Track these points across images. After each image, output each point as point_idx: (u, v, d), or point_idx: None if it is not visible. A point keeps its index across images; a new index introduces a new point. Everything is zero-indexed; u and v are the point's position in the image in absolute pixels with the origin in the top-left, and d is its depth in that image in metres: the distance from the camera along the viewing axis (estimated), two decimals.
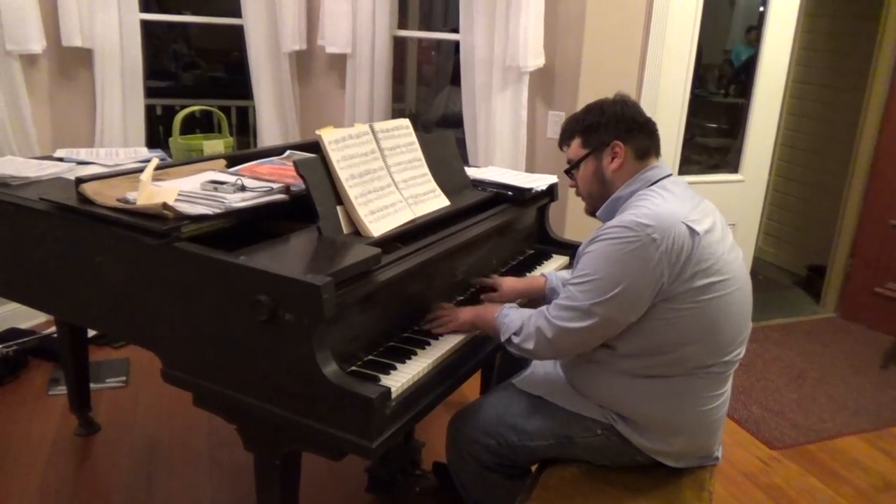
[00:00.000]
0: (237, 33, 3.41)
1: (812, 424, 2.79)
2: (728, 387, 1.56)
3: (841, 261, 3.97)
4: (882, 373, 3.28)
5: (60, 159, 2.11)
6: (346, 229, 1.62)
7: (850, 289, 3.93)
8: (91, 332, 2.67)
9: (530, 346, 1.50)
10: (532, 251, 2.33)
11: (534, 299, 1.94)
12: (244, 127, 5.27)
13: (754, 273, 1.96)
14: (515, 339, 1.52)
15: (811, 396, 3.02)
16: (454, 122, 4.53)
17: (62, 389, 2.64)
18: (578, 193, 1.71)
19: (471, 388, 2.54)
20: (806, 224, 4.68)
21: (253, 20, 3.35)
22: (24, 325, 3.12)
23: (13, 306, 3.08)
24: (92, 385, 2.49)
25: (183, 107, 5.02)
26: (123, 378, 2.82)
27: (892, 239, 3.67)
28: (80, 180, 1.66)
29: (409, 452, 2.13)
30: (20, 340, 2.92)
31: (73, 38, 2.97)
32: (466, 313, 1.69)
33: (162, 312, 1.51)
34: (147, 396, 2.71)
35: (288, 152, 2.17)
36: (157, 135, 3.50)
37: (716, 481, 1.62)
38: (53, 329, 3.05)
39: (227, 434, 2.46)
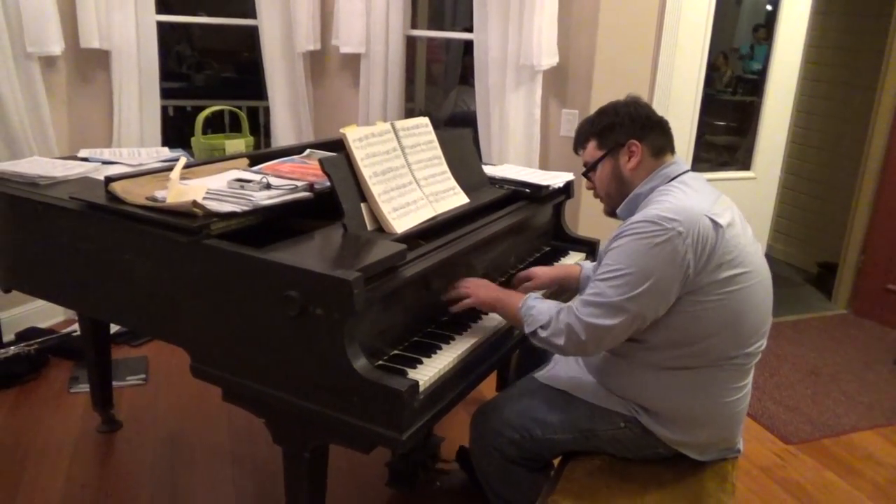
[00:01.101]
0: (243, 34, 3.45)
1: (827, 419, 2.80)
2: (750, 379, 1.59)
3: (852, 258, 3.98)
4: (895, 368, 3.28)
5: (85, 159, 2.15)
6: (369, 226, 1.65)
7: (861, 285, 3.93)
8: (111, 330, 2.70)
9: (560, 342, 1.49)
10: (548, 248, 2.35)
11: (567, 288, 1.96)
12: (255, 127, 5.31)
13: None
14: (543, 333, 1.52)
15: (825, 392, 3.03)
16: (463, 121, 4.56)
17: (83, 387, 2.67)
18: (596, 195, 1.73)
19: (487, 386, 2.57)
20: (817, 221, 4.68)
21: (267, 21, 3.38)
22: (43, 325, 3.16)
23: (33, 305, 3.12)
24: (113, 383, 2.52)
25: (195, 108, 5.03)
26: (143, 376, 2.85)
27: None
28: (109, 179, 1.69)
29: (429, 447, 2.16)
30: (41, 339, 2.95)
31: (91, 39, 3.00)
32: (489, 292, 1.67)
33: (191, 308, 1.53)
34: (167, 394, 2.75)
35: (308, 151, 2.20)
36: (170, 135, 3.53)
37: (737, 475, 1.64)
38: (73, 328, 3.09)
39: (247, 429, 2.49)
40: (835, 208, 4.41)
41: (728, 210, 1.51)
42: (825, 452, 2.58)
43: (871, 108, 3.85)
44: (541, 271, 1.92)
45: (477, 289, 1.69)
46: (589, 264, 1.97)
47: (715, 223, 1.43)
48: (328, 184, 1.63)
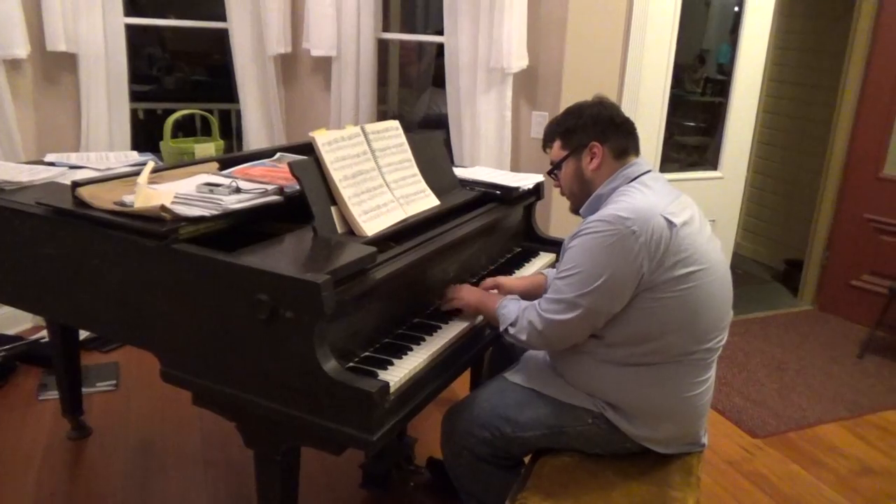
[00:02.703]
0: (214, 37, 3.43)
1: (792, 413, 2.87)
2: (712, 373, 1.63)
3: (817, 255, 4.07)
4: (859, 362, 3.37)
5: (52, 164, 2.13)
6: (340, 229, 1.66)
7: (826, 282, 4.03)
8: (81, 336, 2.67)
9: (523, 337, 1.59)
10: (519, 249, 2.38)
11: (537, 298, 1.99)
12: (227, 130, 5.27)
13: (733, 268, 2.03)
14: (511, 330, 1.62)
15: (791, 386, 3.10)
16: (436, 123, 4.58)
17: (52, 394, 2.64)
18: (563, 193, 1.77)
19: (460, 385, 2.58)
20: (783, 219, 4.78)
21: (238, 24, 3.37)
22: (10, 331, 3.11)
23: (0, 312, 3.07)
24: (82, 389, 2.49)
25: (165, 111, 4.98)
26: (114, 382, 2.82)
27: (866, 232, 3.77)
28: (76, 184, 1.67)
29: (403, 448, 2.17)
30: (8, 346, 2.91)
31: (57, 42, 2.97)
32: (472, 295, 1.78)
33: (161, 313, 1.53)
34: (138, 399, 2.72)
35: (278, 154, 2.20)
36: (140, 139, 3.50)
37: (702, 469, 1.68)
38: (41, 334, 3.05)
39: (220, 434, 2.48)
40: (800, 206, 4.52)
41: (687, 209, 1.55)
42: (791, 445, 2.64)
43: (833, 108, 3.95)
44: (507, 282, 1.93)
45: (461, 292, 1.80)
46: (552, 271, 1.98)
47: (669, 222, 1.47)
48: (298, 187, 1.63)
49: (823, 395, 3.03)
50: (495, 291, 1.88)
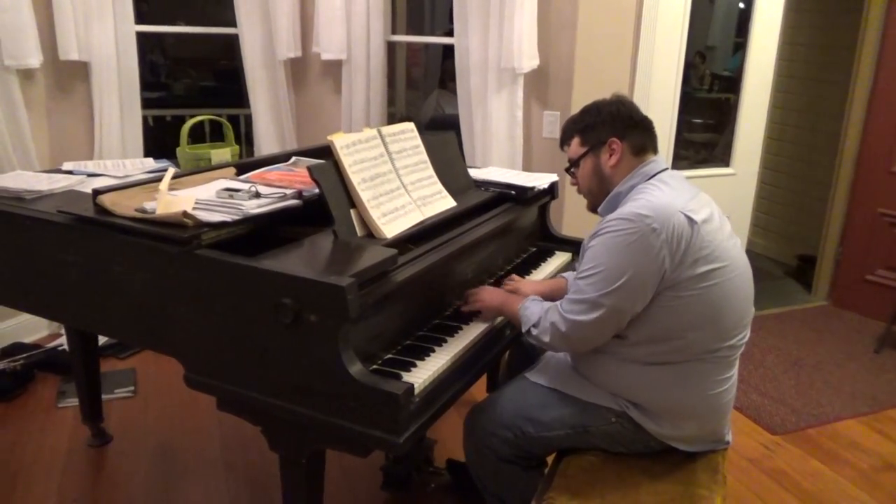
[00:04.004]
0: (219, 42, 3.44)
1: (811, 409, 2.85)
2: (735, 371, 1.62)
3: (831, 250, 4.05)
4: (876, 357, 3.35)
5: (69, 172, 2.14)
6: (359, 232, 1.66)
7: (840, 277, 4.01)
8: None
9: (546, 339, 1.57)
10: (535, 249, 2.38)
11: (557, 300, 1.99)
12: (237, 135, 5.28)
13: None
14: (534, 332, 1.60)
15: (809, 382, 3.08)
16: (443, 124, 4.58)
17: (71, 401, 2.66)
18: (580, 191, 1.77)
19: (478, 388, 2.58)
20: (795, 215, 4.76)
21: (248, 29, 3.38)
22: (27, 340, 3.13)
23: (15, 321, 3.09)
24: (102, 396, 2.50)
25: (174, 117, 4.99)
26: (131, 388, 2.83)
27: (880, 227, 3.75)
28: (97, 192, 1.68)
29: (423, 450, 2.17)
30: (26, 354, 2.93)
31: (70, 51, 2.98)
32: (494, 297, 1.76)
33: (184, 319, 1.53)
34: (156, 405, 2.73)
35: (294, 158, 2.21)
36: (151, 145, 3.51)
37: (727, 467, 1.67)
38: (59, 342, 3.07)
39: (239, 438, 2.49)
40: (812, 202, 4.49)
41: (706, 206, 1.55)
42: (810, 442, 2.63)
43: (844, 103, 3.93)
44: (526, 287, 1.92)
45: (482, 293, 1.79)
46: (572, 274, 1.97)
47: (690, 219, 1.46)
48: (316, 191, 1.64)
49: (841, 390, 3.02)
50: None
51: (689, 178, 1.66)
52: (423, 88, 5.72)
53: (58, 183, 1.97)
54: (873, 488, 2.36)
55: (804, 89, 4.62)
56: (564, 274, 2.05)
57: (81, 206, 1.71)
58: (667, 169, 1.64)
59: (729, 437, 1.69)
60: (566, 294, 1.57)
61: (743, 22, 3.55)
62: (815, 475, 2.42)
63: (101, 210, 1.65)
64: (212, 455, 2.42)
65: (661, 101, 3.23)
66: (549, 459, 1.73)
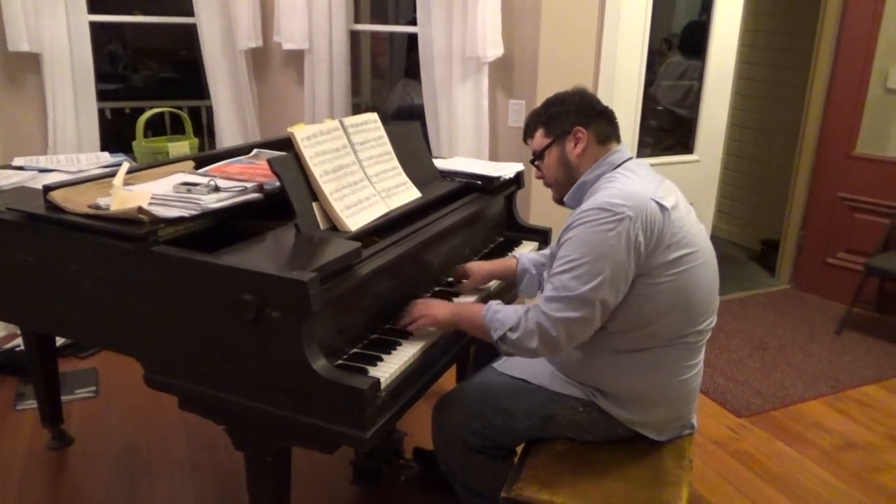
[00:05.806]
0: (178, 32, 3.35)
1: (775, 391, 2.90)
2: (702, 357, 1.64)
3: (793, 234, 4.13)
4: (837, 339, 3.43)
5: (20, 168, 2.06)
6: (322, 225, 1.63)
7: (802, 261, 4.09)
8: (57, 343, 2.61)
9: (532, 343, 1.47)
10: (502, 238, 2.37)
11: (507, 282, 1.98)
12: (197, 127, 5.18)
13: None
14: (513, 336, 1.49)
15: (773, 365, 3.14)
16: (410, 114, 4.54)
17: (30, 403, 2.58)
18: (546, 184, 1.76)
19: (447, 378, 2.57)
20: (758, 200, 4.84)
21: (206, 18, 3.30)
22: None
23: None
24: (61, 397, 2.43)
25: (133, 110, 4.86)
26: (93, 388, 2.77)
27: (840, 210, 3.83)
28: (47, 188, 1.62)
29: (392, 443, 2.16)
30: None
31: (19, 42, 2.88)
32: (444, 310, 1.65)
33: (142, 317, 1.49)
34: (119, 405, 2.67)
35: (255, 151, 2.16)
36: (109, 139, 3.42)
37: (693, 451, 1.69)
38: (15, 343, 2.98)
39: (205, 437, 2.44)
40: (775, 187, 4.56)
41: (672, 194, 1.55)
42: (775, 423, 2.68)
43: (805, 89, 3.99)
44: (476, 266, 1.92)
45: (429, 309, 1.65)
46: (526, 256, 1.96)
47: (661, 206, 1.47)
48: (278, 184, 1.61)
49: (804, 372, 3.08)
50: (471, 300, 1.85)
51: (653, 165, 1.66)
52: (390, 78, 5.66)
53: (7, 179, 1.91)
54: (836, 467, 2.41)
55: (765, 76, 4.68)
56: (514, 253, 2.03)
57: (32, 203, 1.65)
58: (632, 158, 1.64)
59: (695, 422, 1.70)
60: (518, 281, 1.53)
61: (706, 8, 3.57)
62: (779, 456, 2.47)
63: (53, 207, 1.59)
64: (177, 455, 2.38)
65: (625, 89, 3.25)
66: (519, 449, 1.73)
